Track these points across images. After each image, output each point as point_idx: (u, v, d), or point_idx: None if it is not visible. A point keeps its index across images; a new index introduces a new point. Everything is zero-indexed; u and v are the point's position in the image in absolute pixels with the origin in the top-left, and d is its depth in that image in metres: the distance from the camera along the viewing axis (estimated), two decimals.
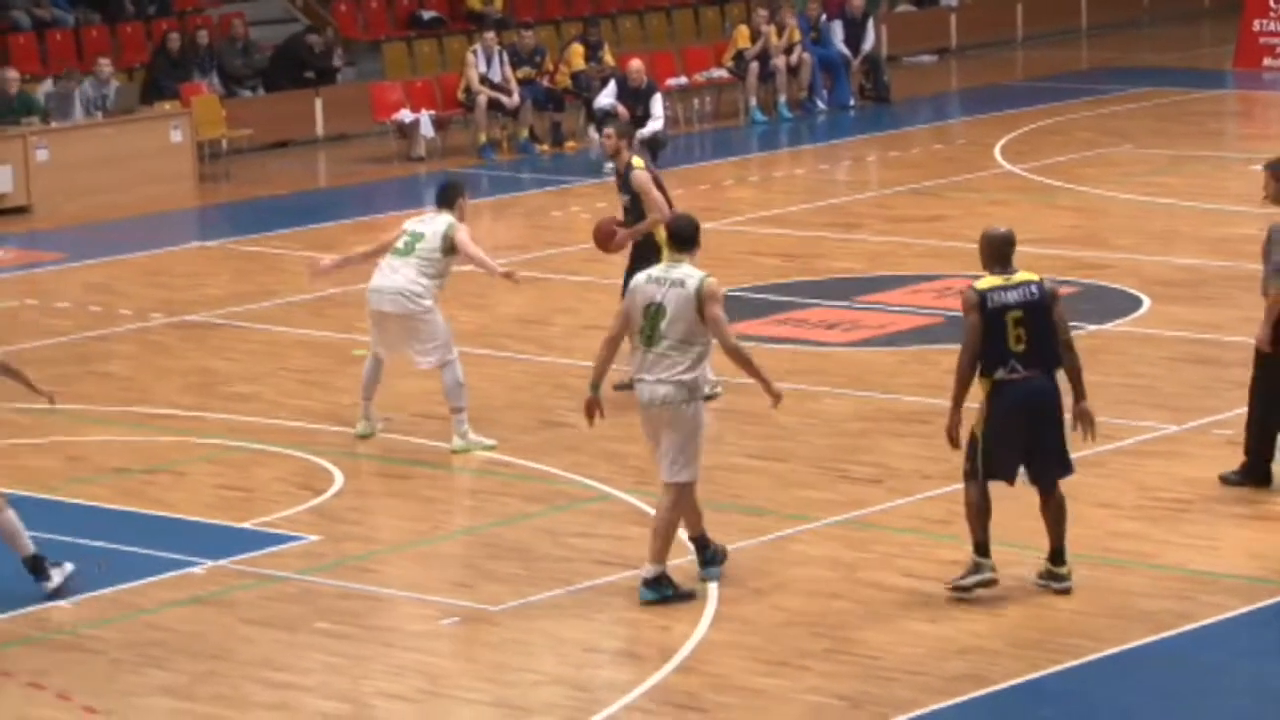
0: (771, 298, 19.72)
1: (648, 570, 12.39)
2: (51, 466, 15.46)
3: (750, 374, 12.40)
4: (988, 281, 12.15)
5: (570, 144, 28.35)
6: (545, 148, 28.43)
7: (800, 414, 16.02)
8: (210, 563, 13.37)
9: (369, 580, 13.05)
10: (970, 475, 12.24)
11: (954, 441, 12.17)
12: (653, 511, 13.66)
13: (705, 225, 18.45)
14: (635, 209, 16.29)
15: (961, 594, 12.23)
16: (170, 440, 16.00)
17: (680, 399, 12.24)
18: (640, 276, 12.54)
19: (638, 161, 16.38)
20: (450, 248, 15.42)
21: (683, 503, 12.41)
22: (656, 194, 16.18)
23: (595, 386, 12.52)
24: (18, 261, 22.74)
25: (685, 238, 12.54)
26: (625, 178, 16.33)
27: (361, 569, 13.24)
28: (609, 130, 16.63)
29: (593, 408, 12.54)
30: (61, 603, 12.74)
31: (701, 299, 12.20)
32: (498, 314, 19.54)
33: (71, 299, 20.78)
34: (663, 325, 12.23)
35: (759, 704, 11.09)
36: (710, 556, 12.66)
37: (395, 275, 15.36)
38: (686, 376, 12.24)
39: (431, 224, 15.53)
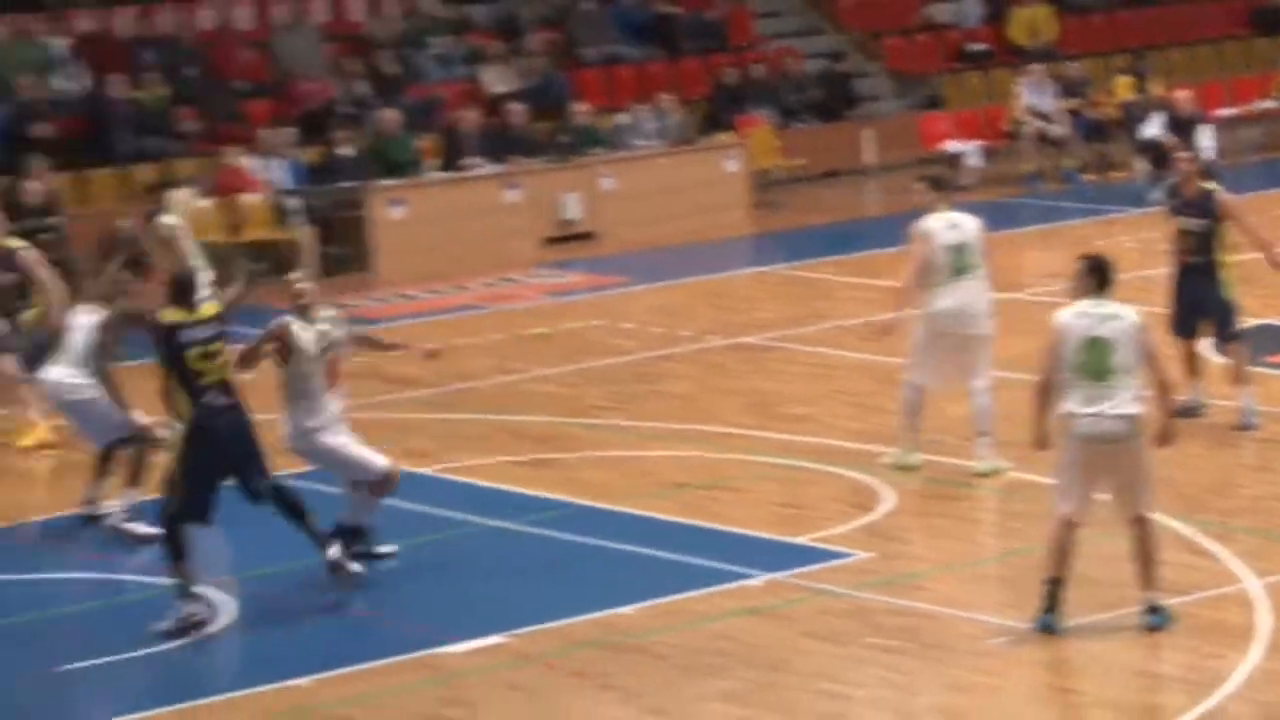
0: None
1: (1151, 599, 12.23)
2: (614, 480, 15.85)
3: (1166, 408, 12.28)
4: None
5: (1115, 174, 28.01)
6: (1090, 177, 28.16)
7: None
8: (767, 575, 13.58)
9: (919, 598, 13.08)
10: None
11: None
12: (1199, 537, 13.56)
13: (1248, 256, 18.25)
14: (1205, 238, 16.16)
15: None
16: (728, 457, 16.30)
17: (1134, 433, 12.10)
18: (1066, 314, 12.29)
19: (1216, 185, 16.42)
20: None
21: (1157, 530, 12.31)
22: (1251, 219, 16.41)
23: (1043, 442, 12.37)
24: (586, 285, 23.41)
25: (1110, 276, 12.38)
26: (1207, 202, 16.21)
27: (912, 586, 13.30)
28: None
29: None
30: (627, 609, 13.09)
31: (1140, 329, 12.14)
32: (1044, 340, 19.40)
33: (635, 320, 21.30)
34: (1111, 359, 12.10)
35: None
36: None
37: (975, 296, 15.44)
38: (1135, 410, 12.10)
39: (964, 228, 15.50)
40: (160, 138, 25.70)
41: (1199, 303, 16.33)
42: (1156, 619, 12.22)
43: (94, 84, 25.86)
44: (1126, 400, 12.10)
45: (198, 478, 12.99)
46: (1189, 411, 16.30)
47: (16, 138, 24.50)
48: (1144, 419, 12.14)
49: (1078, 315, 12.30)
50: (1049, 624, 12.22)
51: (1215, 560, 13.35)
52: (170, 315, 13.09)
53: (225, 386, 13.05)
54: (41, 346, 16.07)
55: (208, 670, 12.61)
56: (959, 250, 15.44)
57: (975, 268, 15.43)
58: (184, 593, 12.95)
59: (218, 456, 13.00)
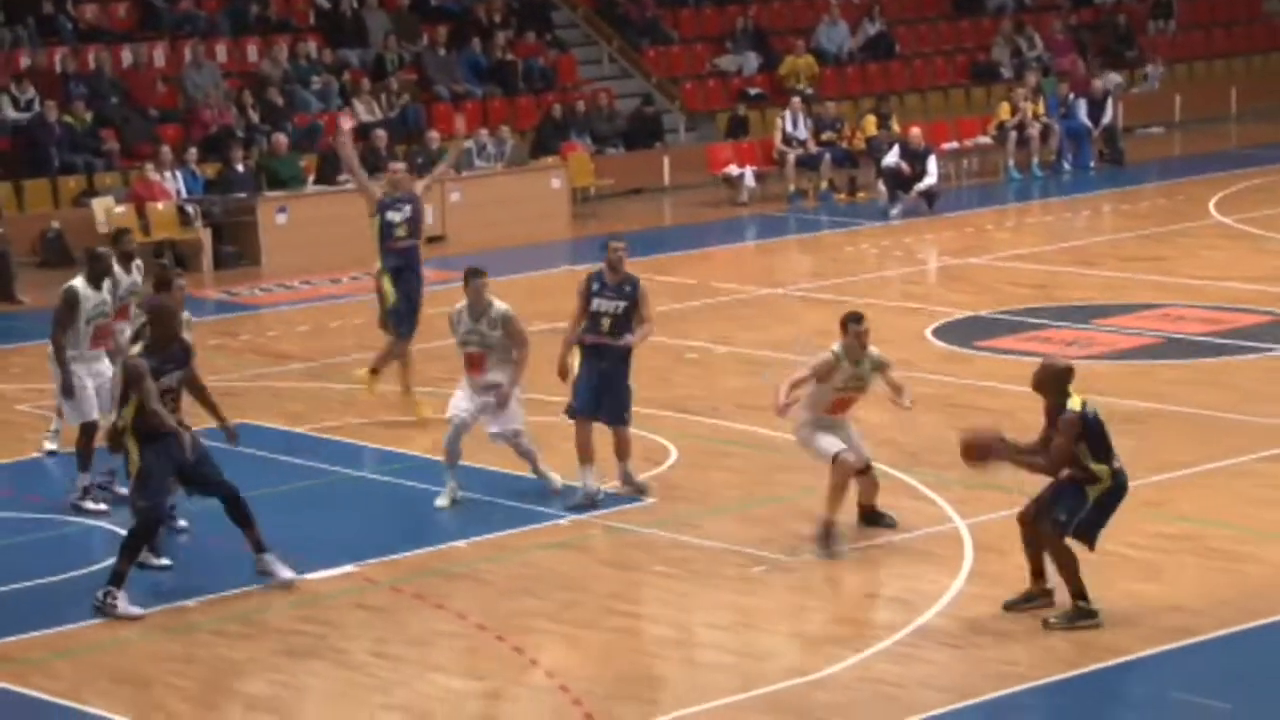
0: (1023, 319, 19.41)
1: None
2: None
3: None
4: (1077, 401, 11.08)
5: (861, 194, 28.17)
6: (842, 196, 28.30)
7: (1040, 412, 15.71)
8: (574, 516, 13.50)
9: (696, 534, 13.08)
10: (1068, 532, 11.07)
11: None
12: (919, 485, 13.63)
13: (972, 260, 18.14)
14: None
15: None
16: (547, 420, 16.11)
17: None
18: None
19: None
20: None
21: None
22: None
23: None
24: (436, 279, 23.07)
25: None
26: (628, 286, 13.75)
27: (691, 525, 13.28)
28: None
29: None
30: (460, 543, 12.96)
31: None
32: (803, 328, 19.48)
33: None
34: None
35: (1002, 642, 10.94)
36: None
37: None
38: None
39: None
40: (87, 154, 25.17)
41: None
42: None
43: (32, 108, 25.28)
44: None
45: None
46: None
47: None
48: None
49: None
50: None
51: (931, 504, 13.42)
52: None
53: None
54: None
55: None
56: None
57: None
58: None
59: None
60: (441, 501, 13.69)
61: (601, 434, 13.85)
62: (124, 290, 14.17)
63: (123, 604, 11.70)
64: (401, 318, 16.50)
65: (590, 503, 13.62)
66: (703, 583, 12.16)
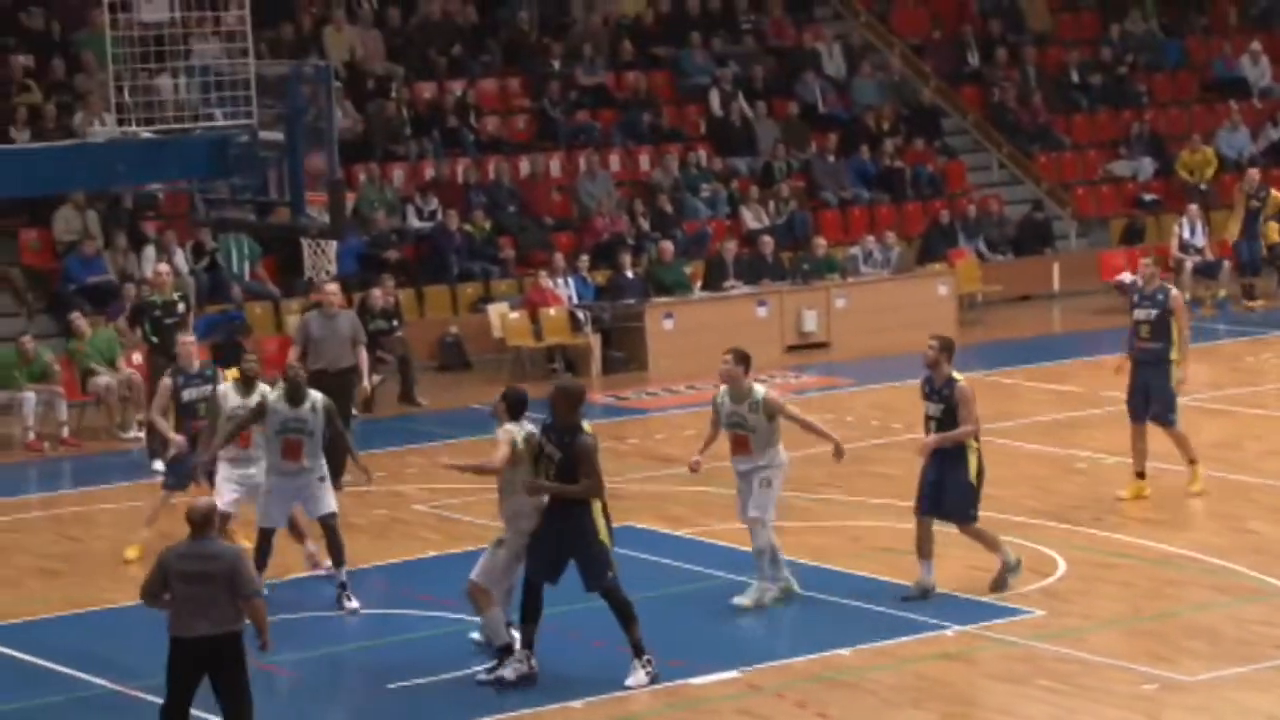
0: None
1: None
2: (832, 544, 15.65)
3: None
4: None
5: (1261, 302, 27.25)
6: (1252, 304, 27.41)
7: None
8: (959, 627, 13.34)
9: (1083, 649, 12.78)
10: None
11: None
12: None
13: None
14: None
15: None
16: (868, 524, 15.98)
17: None
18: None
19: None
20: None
21: None
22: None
23: None
24: (818, 384, 23.24)
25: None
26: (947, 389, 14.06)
27: (1078, 639, 12.98)
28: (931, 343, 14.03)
29: None
30: (844, 651, 12.88)
31: None
32: (1199, 439, 18.88)
33: (857, 414, 21.07)
34: None
35: None
36: None
37: None
38: None
39: None
40: (484, 261, 26.10)
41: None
42: None
43: (434, 218, 26.37)
44: None
45: None
46: None
47: (372, 260, 25.04)
48: None
49: None
50: None
51: None
52: None
53: None
54: None
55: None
56: None
57: None
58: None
59: None
60: (744, 601, 13.87)
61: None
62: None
63: (503, 668, 12.34)
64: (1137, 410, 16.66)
65: (922, 595, 13.84)
66: (1091, 698, 11.86)
